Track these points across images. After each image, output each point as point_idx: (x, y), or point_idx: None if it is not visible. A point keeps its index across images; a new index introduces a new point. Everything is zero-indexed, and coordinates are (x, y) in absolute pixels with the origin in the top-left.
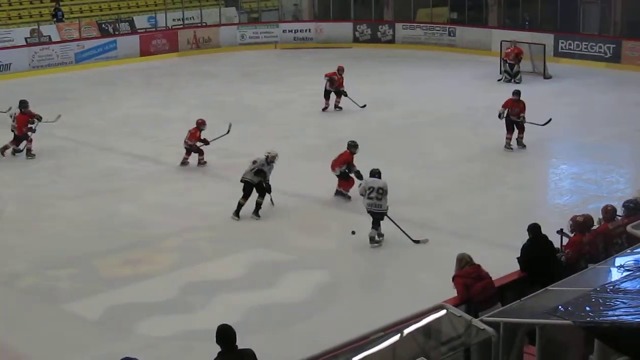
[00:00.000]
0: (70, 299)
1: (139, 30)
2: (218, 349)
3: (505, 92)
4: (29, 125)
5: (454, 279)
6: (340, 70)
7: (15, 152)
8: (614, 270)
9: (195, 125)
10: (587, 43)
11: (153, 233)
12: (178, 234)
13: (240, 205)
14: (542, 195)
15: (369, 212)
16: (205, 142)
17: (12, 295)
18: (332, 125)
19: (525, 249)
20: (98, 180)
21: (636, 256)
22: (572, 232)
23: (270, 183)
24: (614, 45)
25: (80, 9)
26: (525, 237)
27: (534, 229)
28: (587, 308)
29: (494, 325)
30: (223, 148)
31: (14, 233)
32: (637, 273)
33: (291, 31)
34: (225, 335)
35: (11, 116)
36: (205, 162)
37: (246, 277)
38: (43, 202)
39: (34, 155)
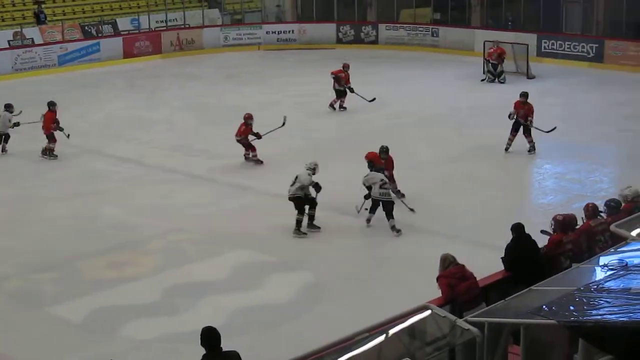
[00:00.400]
0: (55, 302)
1: (122, 33)
2: (203, 351)
3: (488, 92)
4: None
5: (438, 279)
6: (346, 67)
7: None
8: (597, 270)
9: (242, 121)
10: (570, 43)
11: (137, 235)
12: (162, 236)
13: (299, 222)
14: (526, 195)
15: (381, 201)
16: (258, 136)
17: None
18: (316, 126)
19: (509, 248)
20: (82, 182)
21: (620, 255)
22: (553, 232)
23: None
24: (596, 45)
25: (63, 11)
26: (509, 236)
27: (518, 229)
28: (571, 307)
29: (478, 325)
30: (206, 150)
31: None
32: (621, 272)
33: (274, 32)
34: (210, 337)
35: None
36: (259, 161)
37: (231, 279)
38: (27, 205)
39: (56, 156)
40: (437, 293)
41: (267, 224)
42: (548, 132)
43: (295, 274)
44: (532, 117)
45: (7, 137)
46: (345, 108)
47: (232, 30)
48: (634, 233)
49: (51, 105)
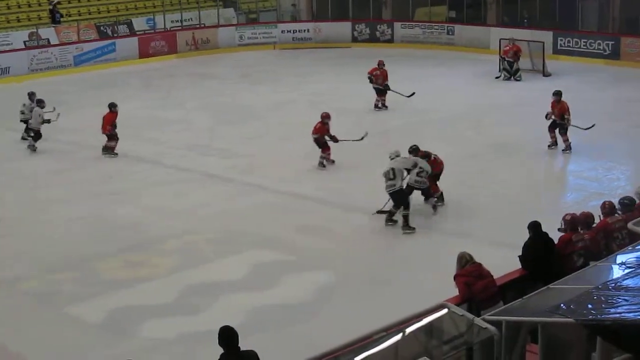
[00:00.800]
0: (72, 302)
1: (138, 32)
2: (221, 350)
3: (505, 89)
4: (112, 127)
5: (455, 278)
6: (381, 64)
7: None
8: (615, 268)
9: (320, 120)
10: (585, 40)
11: (154, 235)
12: (179, 236)
13: (406, 217)
14: (543, 193)
15: (416, 188)
16: (334, 140)
17: (14, 298)
18: (331, 125)
19: (526, 247)
20: (98, 182)
21: (637, 253)
22: (564, 231)
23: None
24: (612, 42)
25: (79, 11)
26: (526, 235)
27: (535, 227)
28: (589, 306)
29: (496, 323)
30: (223, 149)
31: (15, 237)
32: (639, 270)
33: (289, 31)
34: (227, 336)
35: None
36: (331, 161)
37: (248, 278)
38: (44, 206)
39: (116, 154)
40: (455, 292)
41: (283, 223)
42: (586, 129)
43: (311, 274)
44: (569, 115)
45: (39, 135)
46: (386, 107)
47: (247, 29)
48: None
49: (112, 106)
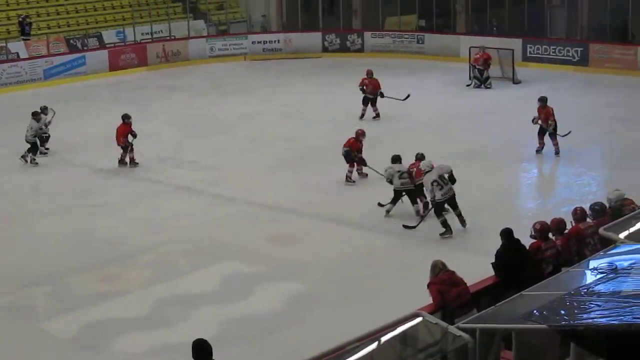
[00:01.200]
0: (46, 317)
1: (108, 45)
2: None
3: (475, 97)
4: (126, 138)
5: (428, 286)
6: (369, 73)
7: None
8: (587, 273)
9: (354, 136)
10: (555, 47)
11: (128, 249)
12: (153, 249)
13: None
14: (514, 200)
15: (402, 190)
16: (361, 162)
17: None
18: (303, 135)
19: (498, 254)
20: (72, 196)
21: (609, 258)
22: (534, 239)
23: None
24: (581, 49)
25: (48, 25)
26: (498, 242)
27: (507, 234)
28: (562, 311)
29: (470, 331)
30: (193, 161)
31: None
32: (611, 275)
33: (260, 42)
34: (201, 349)
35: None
36: (365, 174)
37: (221, 290)
38: (19, 219)
39: (137, 163)
40: (428, 300)
41: (255, 234)
42: (563, 136)
43: (285, 284)
44: (553, 121)
45: (35, 147)
46: (379, 117)
47: (218, 40)
48: (622, 236)
49: (125, 117)
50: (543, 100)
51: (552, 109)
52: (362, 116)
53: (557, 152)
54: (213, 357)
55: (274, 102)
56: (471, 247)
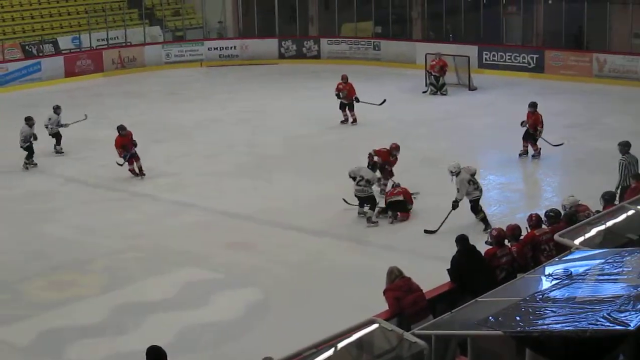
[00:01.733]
0: (0, 325)
1: (63, 51)
2: None
3: (431, 104)
4: (123, 149)
5: (384, 292)
6: (344, 78)
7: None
8: (543, 279)
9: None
10: (510, 54)
11: (83, 255)
12: (108, 255)
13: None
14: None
15: (360, 197)
16: (386, 175)
17: None
18: (258, 142)
19: (454, 260)
20: (26, 202)
21: (564, 265)
22: (490, 245)
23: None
24: (537, 55)
25: (3, 30)
26: (454, 248)
27: (462, 240)
28: (517, 318)
29: (425, 337)
30: (150, 168)
31: None
32: (566, 281)
33: (216, 49)
34: (155, 356)
35: None
36: (397, 184)
37: (177, 297)
38: None
39: (144, 174)
40: (385, 306)
41: (211, 240)
42: (555, 145)
43: (241, 291)
44: (541, 128)
45: (30, 151)
46: (355, 122)
47: (174, 47)
48: (577, 242)
49: (120, 129)
50: (533, 106)
51: (541, 116)
52: (344, 121)
53: (537, 155)
54: None
55: (231, 109)
56: (427, 253)
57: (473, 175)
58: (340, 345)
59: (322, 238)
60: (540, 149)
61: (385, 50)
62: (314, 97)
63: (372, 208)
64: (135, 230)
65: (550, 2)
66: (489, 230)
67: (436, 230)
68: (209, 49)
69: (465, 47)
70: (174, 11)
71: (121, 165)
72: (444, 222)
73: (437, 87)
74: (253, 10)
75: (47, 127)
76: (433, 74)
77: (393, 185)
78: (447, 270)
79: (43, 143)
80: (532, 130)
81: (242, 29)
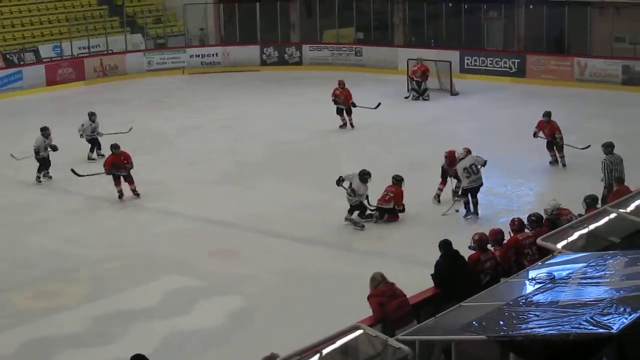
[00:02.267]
0: None
1: (45, 60)
2: None
3: (413, 109)
4: (111, 167)
5: (368, 298)
6: (341, 84)
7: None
8: (526, 283)
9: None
10: (492, 59)
11: (65, 265)
12: (92, 264)
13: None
14: (453, 210)
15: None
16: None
17: None
18: (240, 149)
19: (437, 265)
20: (10, 212)
21: (547, 268)
22: (473, 250)
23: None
24: (518, 60)
25: None
26: (437, 253)
27: (445, 245)
28: (501, 322)
29: (409, 343)
30: (132, 175)
31: None
32: (549, 285)
33: (198, 56)
34: None
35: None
36: (456, 193)
37: (162, 305)
38: None
39: (138, 194)
40: (369, 312)
41: (194, 248)
42: (583, 149)
43: (225, 298)
44: (560, 134)
45: (44, 163)
46: (353, 126)
47: (156, 54)
48: (560, 246)
49: (113, 147)
50: (547, 115)
51: (556, 123)
52: (343, 125)
53: (564, 164)
54: None
55: (213, 116)
56: (410, 258)
57: (481, 165)
58: (325, 351)
59: (306, 245)
60: (565, 157)
61: (367, 56)
62: (296, 104)
63: (361, 215)
64: (119, 239)
65: (531, 7)
66: (468, 217)
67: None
68: (190, 56)
69: (446, 52)
70: (155, 19)
71: (79, 175)
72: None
73: (419, 92)
74: (235, 17)
75: (80, 134)
76: (415, 79)
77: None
78: (431, 275)
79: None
80: (551, 139)
81: (223, 36)
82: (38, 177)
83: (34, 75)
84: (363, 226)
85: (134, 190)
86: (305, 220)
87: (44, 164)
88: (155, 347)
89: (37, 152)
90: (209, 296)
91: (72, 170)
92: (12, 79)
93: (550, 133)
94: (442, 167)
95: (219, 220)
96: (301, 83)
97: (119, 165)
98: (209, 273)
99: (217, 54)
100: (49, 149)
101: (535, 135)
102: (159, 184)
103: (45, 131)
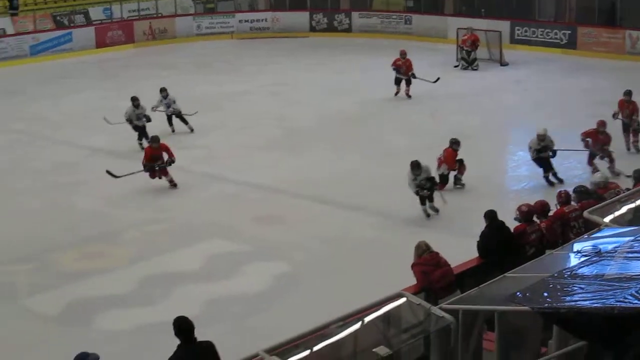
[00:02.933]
0: (30, 294)
1: (94, 22)
2: (177, 341)
3: (462, 79)
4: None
5: (412, 267)
6: (403, 54)
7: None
8: (571, 256)
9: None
10: (542, 30)
11: (112, 226)
12: (137, 227)
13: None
14: (500, 182)
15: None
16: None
17: None
18: (288, 115)
19: (483, 235)
20: (55, 174)
21: (593, 241)
22: (519, 222)
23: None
24: (569, 32)
25: (35, 1)
26: (483, 223)
27: (491, 216)
28: (545, 294)
29: (452, 312)
30: (180, 140)
31: None
32: (594, 258)
33: (247, 21)
34: (183, 327)
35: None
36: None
37: (205, 269)
38: (1, 196)
39: (175, 185)
40: (412, 280)
41: (240, 213)
42: None
43: (269, 264)
44: (637, 116)
45: (141, 133)
46: (410, 97)
47: (205, 19)
48: (607, 219)
49: (152, 141)
50: (629, 94)
51: (637, 104)
52: (397, 93)
53: (637, 149)
54: (195, 335)
55: (261, 82)
56: (455, 228)
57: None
58: (367, 318)
59: (352, 212)
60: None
61: (416, 25)
62: (345, 71)
63: (431, 199)
64: (164, 202)
65: None
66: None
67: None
68: (239, 21)
69: (497, 22)
70: None
71: (115, 176)
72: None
73: (468, 61)
74: None
75: (153, 110)
76: (465, 48)
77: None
78: (476, 245)
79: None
80: (628, 120)
81: (273, 2)
82: (140, 144)
83: (84, 37)
84: (438, 210)
85: (170, 181)
86: (352, 187)
87: (141, 132)
88: (197, 311)
89: (130, 122)
90: (252, 261)
91: (108, 172)
92: (61, 40)
93: (630, 114)
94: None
95: (265, 185)
96: (350, 50)
97: (157, 158)
98: (253, 238)
99: (266, 19)
100: (143, 118)
101: (614, 116)
102: (206, 148)
103: (135, 101)
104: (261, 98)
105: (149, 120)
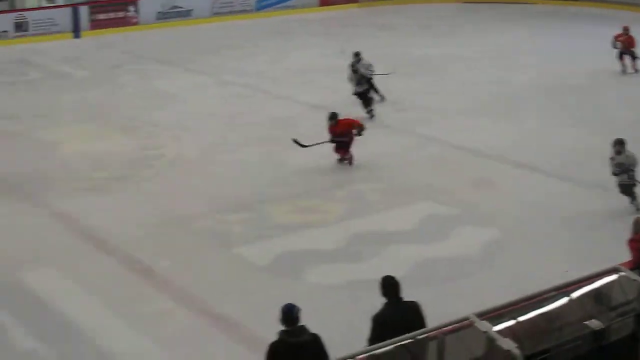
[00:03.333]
0: (242, 243)
1: None
2: (383, 300)
3: None
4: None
5: (629, 242)
6: (627, 29)
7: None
8: None
9: None
10: None
11: (324, 183)
12: (348, 185)
13: None
14: None
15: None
16: None
17: (186, 236)
18: (505, 80)
19: None
20: (272, 128)
21: None
22: None
23: None
24: None
25: None
26: None
27: None
28: None
29: None
30: (398, 101)
31: (191, 176)
32: None
33: None
34: (389, 285)
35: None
36: None
37: (415, 230)
38: (219, 147)
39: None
40: (625, 256)
41: (454, 177)
42: None
43: (479, 229)
44: None
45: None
46: (637, 71)
47: None
48: None
49: (331, 118)
50: None
51: None
52: (623, 70)
53: None
54: (401, 296)
55: (481, 46)
56: None
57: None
58: (579, 291)
59: (566, 182)
60: None
61: None
62: (569, 39)
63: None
64: (379, 162)
65: None
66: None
67: None
68: None
69: None
70: None
71: (303, 145)
72: None
73: None
74: None
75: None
76: None
77: None
78: None
79: None
80: None
81: None
82: (369, 111)
83: None
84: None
85: (350, 159)
86: (569, 157)
87: (364, 99)
88: (405, 271)
89: (355, 72)
90: (462, 225)
91: (295, 141)
92: None
93: None
94: None
95: (481, 150)
96: (575, 19)
97: (342, 134)
98: (465, 202)
99: None
100: (365, 84)
101: None
102: (425, 109)
103: (357, 56)
104: (479, 62)
105: (371, 76)
